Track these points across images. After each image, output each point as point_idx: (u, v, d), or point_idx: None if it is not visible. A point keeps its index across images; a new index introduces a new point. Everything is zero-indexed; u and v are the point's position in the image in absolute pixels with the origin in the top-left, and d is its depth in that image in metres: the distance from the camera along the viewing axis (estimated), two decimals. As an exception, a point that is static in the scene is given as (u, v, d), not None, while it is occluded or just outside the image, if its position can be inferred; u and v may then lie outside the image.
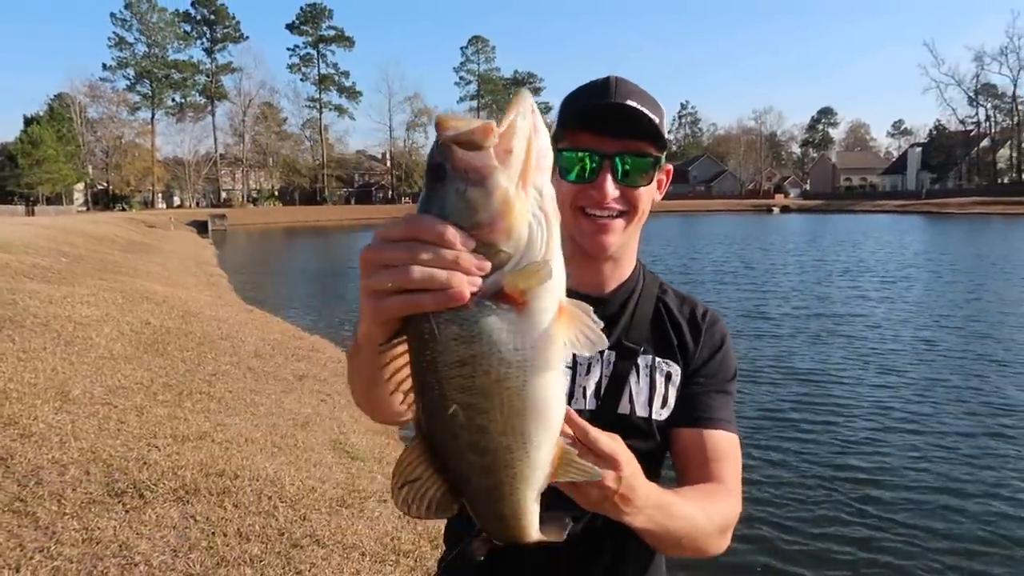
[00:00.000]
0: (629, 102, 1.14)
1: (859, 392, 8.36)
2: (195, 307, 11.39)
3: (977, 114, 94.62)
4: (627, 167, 1.15)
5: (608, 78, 1.19)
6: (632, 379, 1.23)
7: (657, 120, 1.16)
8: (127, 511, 3.77)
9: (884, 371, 9.25)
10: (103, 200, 78.38)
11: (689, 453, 1.22)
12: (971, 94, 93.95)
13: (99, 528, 3.53)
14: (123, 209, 69.89)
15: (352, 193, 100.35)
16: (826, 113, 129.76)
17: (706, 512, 1.11)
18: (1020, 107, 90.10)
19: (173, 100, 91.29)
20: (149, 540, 3.47)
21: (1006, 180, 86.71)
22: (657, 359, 1.25)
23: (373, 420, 1.10)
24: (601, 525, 1.24)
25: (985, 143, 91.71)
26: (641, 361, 1.24)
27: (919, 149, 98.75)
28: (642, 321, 1.28)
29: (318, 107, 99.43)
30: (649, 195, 1.21)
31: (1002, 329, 11.86)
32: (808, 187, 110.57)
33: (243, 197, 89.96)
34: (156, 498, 3.93)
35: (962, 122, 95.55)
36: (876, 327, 12.29)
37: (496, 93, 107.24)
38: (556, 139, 1.20)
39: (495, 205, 0.58)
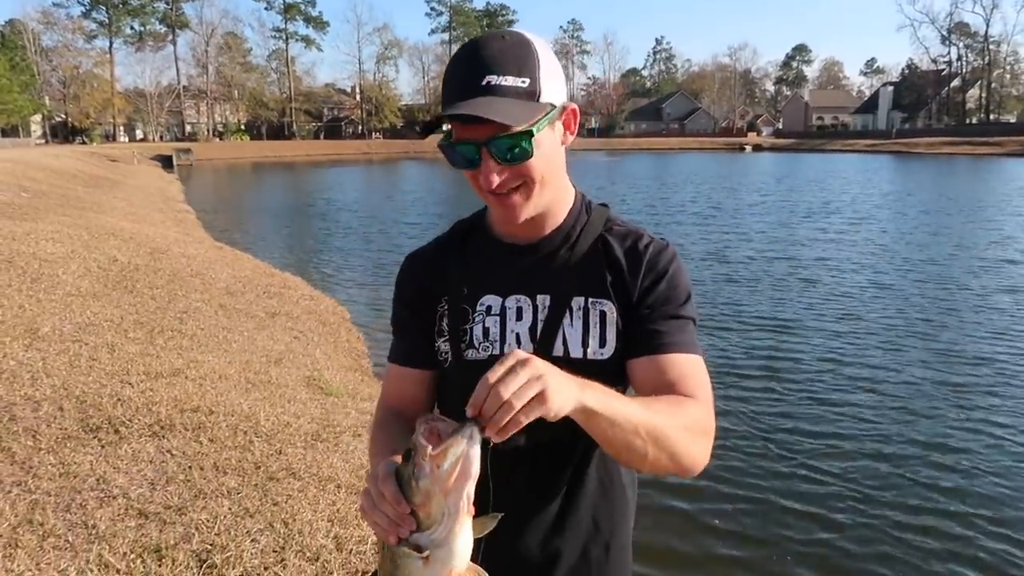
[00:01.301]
0: (491, 80, 1.09)
1: (818, 338, 8.34)
2: (163, 244, 11.25)
3: (949, 53, 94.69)
4: (503, 148, 1.12)
5: (468, 54, 1.12)
6: (566, 322, 1.24)
7: (525, 84, 1.11)
8: (103, 446, 3.81)
9: (843, 316, 9.28)
10: (62, 132, 75.85)
11: (647, 381, 1.20)
12: (944, 32, 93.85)
13: (76, 463, 3.58)
14: (84, 142, 67.76)
15: (321, 128, 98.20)
16: (800, 50, 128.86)
17: (671, 411, 1.10)
18: (991, 47, 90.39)
19: (132, 28, 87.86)
20: (126, 474, 3.53)
21: (974, 120, 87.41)
22: (590, 299, 1.25)
23: None
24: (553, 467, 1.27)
25: (956, 83, 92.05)
26: (574, 303, 1.24)
27: (891, 88, 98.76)
28: (576, 263, 1.27)
29: (284, 37, 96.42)
30: (545, 158, 1.17)
31: (959, 275, 11.98)
32: (781, 126, 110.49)
33: (209, 131, 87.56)
34: (131, 433, 3.97)
35: (934, 61, 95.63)
36: (838, 270, 12.36)
37: (468, 25, 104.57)
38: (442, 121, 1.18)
39: (420, 497, 0.91)
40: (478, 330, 1.26)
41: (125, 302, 7.03)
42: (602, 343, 1.24)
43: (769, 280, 11.67)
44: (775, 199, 25.34)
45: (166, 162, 48.45)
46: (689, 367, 1.20)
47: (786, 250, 14.57)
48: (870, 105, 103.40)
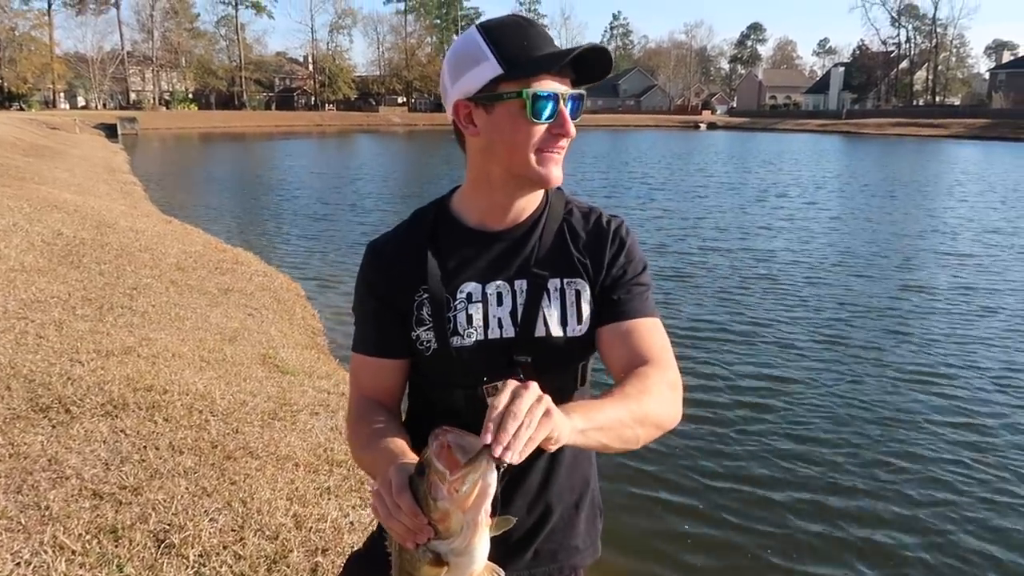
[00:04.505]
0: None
1: (756, 327, 8.20)
2: (109, 217, 10.95)
3: (899, 35, 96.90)
4: (576, 103, 1.27)
5: (533, 23, 1.27)
6: (544, 303, 1.31)
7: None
8: (54, 426, 3.75)
9: (783, 306, 9.09)
10: (-2, 98, 72.78)
11: (613, 345, 1.32)
12: (894, 14, 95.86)
13: (26, 443, 3.52)
14: (21, 109, 65.17)
15: (273, 98, 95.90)
16: (755, 29, 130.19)
17: (641, 388, 1.20)
18: (938, 29, 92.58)
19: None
20: (79, 454, 3.48)
21: (921, 102, 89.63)
22: (565, 280, 1.33)
23: None
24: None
25: (904, 65, 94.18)
26: (551, 285, 1.32)
27: (842, 69, 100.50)
28: (548, 246, 1.35)
29: (233, 3, 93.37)
30: None
31: (902, 268, 12.05)
32: (735, 104, 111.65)
33: (155, 99, 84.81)
34: (83, 413, 3.91)
35: (884, 43, 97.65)
36: (780, 262, 12.33)
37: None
38: (506, 80, 1.20)
39: (439, 514, 0.95)
40: (462, 317, 1.30)
41: (72, 278, 6.85)
42: (579, 320, 1.33)
43: (709, 271, 11.05)
44: (719, 182, 24.91)
45: (110, 131, 46.80)
46: (649, 330, 1.32)
47: (727, 239, 13.88)
48: (822, 85, 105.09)
